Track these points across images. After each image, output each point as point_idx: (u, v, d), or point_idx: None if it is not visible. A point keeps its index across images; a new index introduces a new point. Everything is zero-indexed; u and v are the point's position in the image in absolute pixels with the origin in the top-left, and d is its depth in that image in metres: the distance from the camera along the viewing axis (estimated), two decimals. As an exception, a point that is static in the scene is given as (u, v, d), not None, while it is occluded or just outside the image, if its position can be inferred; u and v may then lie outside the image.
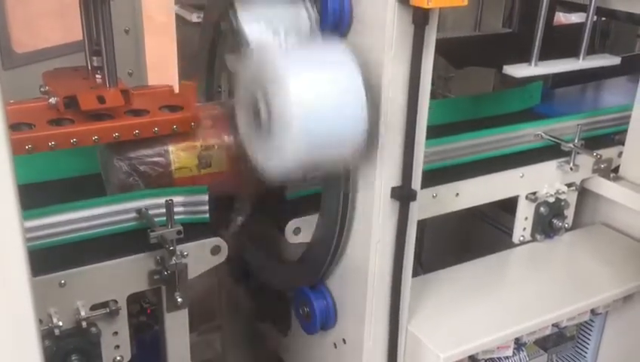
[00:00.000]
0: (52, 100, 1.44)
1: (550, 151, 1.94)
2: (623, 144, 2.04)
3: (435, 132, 1.59)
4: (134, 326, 1.54)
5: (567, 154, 1.91)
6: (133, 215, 1.46)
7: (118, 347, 1.44)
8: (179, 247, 1.41)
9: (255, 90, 1.25)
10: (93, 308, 1.37)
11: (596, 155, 1.92)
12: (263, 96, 1.23)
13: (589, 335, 2.02)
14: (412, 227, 1.45)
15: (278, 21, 1.39)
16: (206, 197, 1.51)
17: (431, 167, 1.71)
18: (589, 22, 1.86)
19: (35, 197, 1.46)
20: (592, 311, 1.79)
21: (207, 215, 1.53)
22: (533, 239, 1.98)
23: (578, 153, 1.90)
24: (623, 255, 1.93)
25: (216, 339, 2.50)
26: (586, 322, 1.96)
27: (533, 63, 1.82)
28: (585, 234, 2.05)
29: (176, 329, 1.51)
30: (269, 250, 1.80)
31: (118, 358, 1.44)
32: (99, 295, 1.38)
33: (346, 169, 1.41)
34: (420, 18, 1.24)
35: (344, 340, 1.62)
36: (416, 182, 1.42)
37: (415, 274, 1.57)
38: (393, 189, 1.39)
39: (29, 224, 1.35)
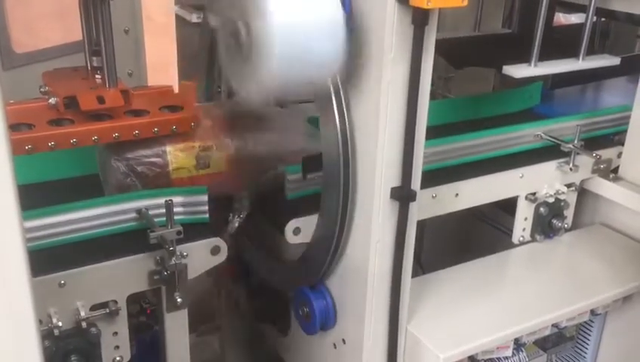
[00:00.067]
0: (52, 100, 1.44)
1: (550, 151, 1.94)
2: (622, 144, 2.04)
3: (435, 132, 1.59)
4: (134, 327, 1.54)
5: (567, 154, 1.91)
6: (133, 215, 1.47)
7: (117, 347, 1.44)
8: (179, 248, 1.41)
9: (235, 13, 1.24)
10: (93, 308, 1.38)
11: (596, 156, 1.92)
12: (242, 17, 1.22)
13: (589, 335, 2.02)
14: (412, 227, 1.45)
15: None
16: (206, 198, 1.51)
17: (431, 168, 1.71)
18: (588, 22, 1.86)
19: (35, 197, 1.46)
20: (592, 312, 1.79)
21: (207, 215, 1.53)
22: (533, 239, 1.98)
23: (578, 153, 1.90)
24: (622, 255, 1.93)
25: (215, 340, 2.50)
26: (585, 322, 1.96)
27: (532, 64, 1.82)
28: (584, 235, 2.05)
29: (176, 329, 1.51)
30: (269, 250, 1.80)
31: (118, 358, 1.44)
32: (99, 295, 1.38)
33: (325, 92, 1.40)
34: (420, 18, 1.24)
35: (344, 340, 1.62)
36: (416, 182, 1.42)
37: (415, 274, 1.57)
38: (393, 189, 1.39)
39: (29, 224, 1.35)
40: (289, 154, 1.64)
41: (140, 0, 2.16)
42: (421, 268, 2.09)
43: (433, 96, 1.56)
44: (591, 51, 1.92)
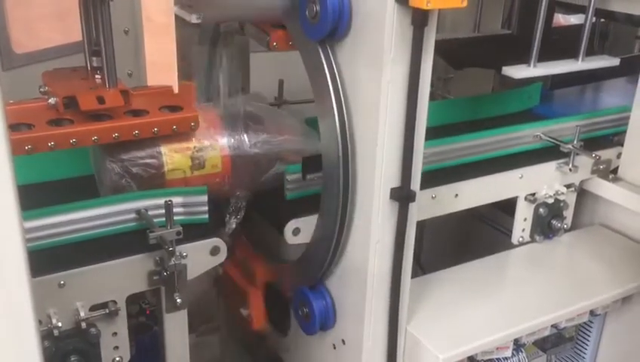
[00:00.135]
0: (51, 100, 1.44)
1: (549, 152, 1.94)
2: (621, 145, 2.04)
3: (435, 133, 1.59)
4: (134, 327, 1.54)
5: (566, 155, 1.91)
6: (132, 216, 1.46)
7: (117, 348, 1.44)
8: (178, 248, 1.41)
9: None
10: (93, 308, 1.38)
11: (595, 156, 1.92)
12: None
13: (588, 336, 2.02)
14: (411, 228, 1.45)
15: None
16: (205, 198, 1.51)
17: (430, 168, 1.71)
18: (588, 23, 1.86)
19: (35, 197, 1.46)
20: (591, 312, 1.79)
21: (207, 215, 1.53)
22: (532, 240, 1.98)
23: (577, 154, 1.90)
24: (621, 256, 1.94)
25: (215, 340, 2.50)
26: (584, 323, 1.96)
27: (532, 64, 1.82)
28: (584, 235, 2.06)
29: (176, 329, 1.51)
30: (269, 250, 1.80)
31: (118, 359, 1.44)
32: (98, 295, 1.38)
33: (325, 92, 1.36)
34: (420, 19, 1.24)
35: (343, 341, 1.62)
36: (416, 182, 1.42)
37: (414, 274, 1.57)
38: (392, 190, 1.39)
39: (29, 224, 1.35)
40: (287, 153, 1.64)
41: (140, 0, 2.16)
42: (421, 268, 2.09)
43: (433, 96, 1.56)
44: (590, 52, 1.92)
